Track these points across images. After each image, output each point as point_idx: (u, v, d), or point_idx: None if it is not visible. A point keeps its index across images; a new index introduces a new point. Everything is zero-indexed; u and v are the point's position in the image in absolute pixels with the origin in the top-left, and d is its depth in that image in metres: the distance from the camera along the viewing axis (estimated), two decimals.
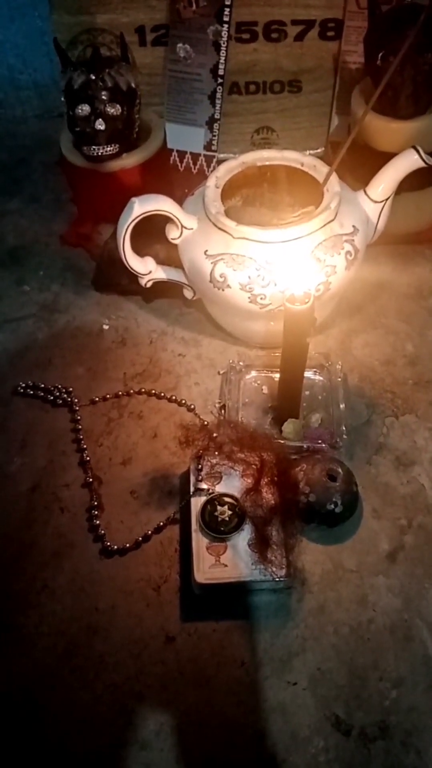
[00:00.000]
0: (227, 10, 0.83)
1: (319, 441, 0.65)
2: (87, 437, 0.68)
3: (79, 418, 0.70)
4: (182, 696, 0.53)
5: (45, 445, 0.68)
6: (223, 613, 0.56)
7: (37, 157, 1.02)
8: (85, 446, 0.67)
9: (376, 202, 0.69)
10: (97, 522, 0.62)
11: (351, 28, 0.85)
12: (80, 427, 0.69)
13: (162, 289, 0.76)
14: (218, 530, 0.58)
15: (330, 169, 0.67)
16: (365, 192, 0.69)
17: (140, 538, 0.60)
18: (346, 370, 0.72)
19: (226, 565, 0.56)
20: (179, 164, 0.92)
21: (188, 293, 0.75)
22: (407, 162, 0.67)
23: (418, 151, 0.66)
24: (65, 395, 0.72)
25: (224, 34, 0.84)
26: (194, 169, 0.92)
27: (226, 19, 0.83)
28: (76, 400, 0.71)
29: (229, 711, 0.52)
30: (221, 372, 0.73)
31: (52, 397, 0.71)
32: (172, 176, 0.89)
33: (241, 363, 0.72)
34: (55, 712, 0.52)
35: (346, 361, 0.73)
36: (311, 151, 0.93)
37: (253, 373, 0.71)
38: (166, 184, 0.84)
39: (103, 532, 0.61)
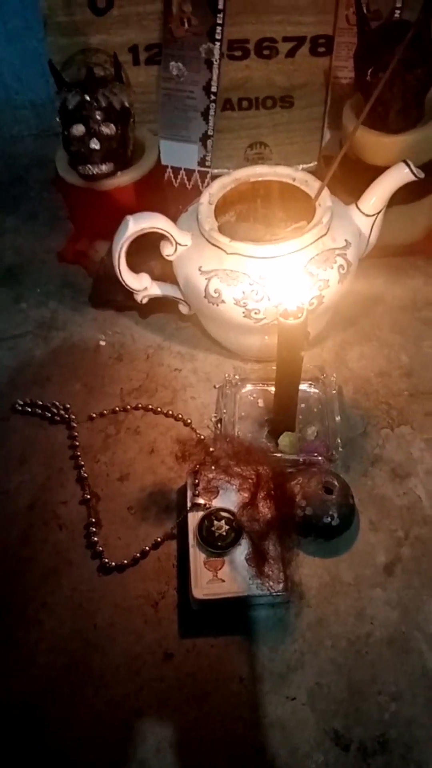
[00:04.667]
0: (219, 28, 0.84)
1: (315, 454, 0.65)
2: (84, 454, 0.68)
3: (76, 434, 0.70)
4: (181, 712, 0.53)
5: (43, 463, 0.68)
6: (221, 628, 0.56)
7: (33, 176, 1.03)
8: (82, 463, 0.67)
9: (368, 215, 0.69)
10: (95, 538, 0.62)
11: (341, 44, 0.86)
12: (78, 443, 0.69)
13: (158, 304, 0.76)
14: (216, 545, 0.58)
15: (322, 184, 0.67)
16: (357, 206, 0.69)
17: (138, 555, 0.61)
18: (341, 383, 0.72)
19: (223, 581, 0.56)
20: (174, 180, 0.93)
21: (183, 308, 0.75)
22: (398, 176, 0.67)
23: (408, 165, 0.67)
24: (63, 412, 0.72)
25: (216, 52, 0.85)
26: (188, 184, 0.93)
27: (218, 37, 0.85)
28: (73, 417, 0.71)
29: (228, 727, 0.52)
30: (217, 386, 0.73)
31: (50, 414, 0.72)
32: (166, 192, 0.90)
33: (236, 377, 0.72)
34: (54, 729, 0.52)
35: (341, 374, 0.73)
36: (304, 165, 0.94)
37: (249, 387, 0.72)
38: (161, 201, 0.85)
39: (101, 548, 0.61)
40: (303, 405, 0.69)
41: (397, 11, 0.83)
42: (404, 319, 0.79)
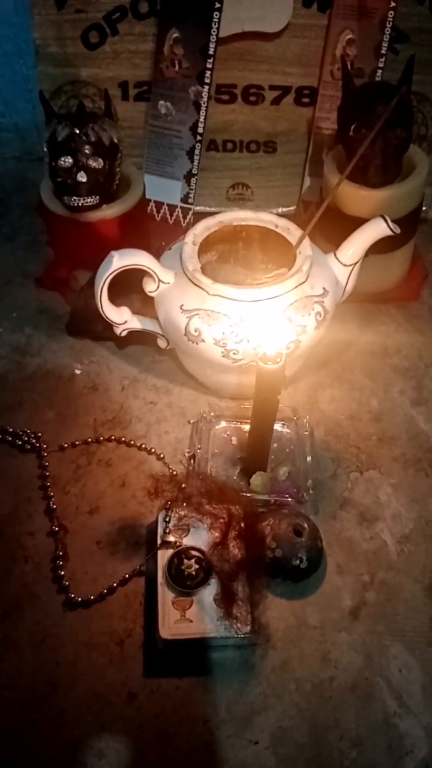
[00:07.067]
0: (208, 72, 0.87)
1: (286, 495, 0.66)
2: (54, 484, 0.68)
3: (46, 464, 0.69)
4: (143, 755, 0.52)
5: (10, 492, 0.68)
6: (187, 669, 0.56)
7: (15, 199, 1.03)
8: (51, 494, 0.67)
9: (345, 265, 0.72)
10: (62, 572, 0.61)
11: (325, 96, 0.90)
12: (47, 473, 0.69)
13: (135, 336, 0.77)
14: (184, 584, 0.58)
15: (303, 233, 0.70)
16: (335, 255, 0.72)
17: (105, 590, 0.60)
18: (312, 424, 0.73)
19: (191, 621, 0.56)
20: (156, 214, 0.95)
21: (162, 343, 0.76)
22: (376, 230, 0.70)
23: (386, 220, 0.70)
24: (34, 440, 0.71)
25: (204, 94, 0.88)
26: (170, 219, 0.95)
27: (207, 80, 0.87)
28: (44, 446, 0.71)
29: None
30: (191, 421, 0.74)
31: (20, 442, 0.71)
32: (149, 226, 0.91)
33: (211, 413, 0.73)
34: None
35: (312, 415, 0.74)
36: (284, 209, 0.96)
37: (223, 424, 0.72)
38: (143, 234, 0.86)
39: (67, 583, 0.60)
40: (275, 444, 0.70)
41: (379, 70, 0.87)
42: (375, 364, 0.81)
